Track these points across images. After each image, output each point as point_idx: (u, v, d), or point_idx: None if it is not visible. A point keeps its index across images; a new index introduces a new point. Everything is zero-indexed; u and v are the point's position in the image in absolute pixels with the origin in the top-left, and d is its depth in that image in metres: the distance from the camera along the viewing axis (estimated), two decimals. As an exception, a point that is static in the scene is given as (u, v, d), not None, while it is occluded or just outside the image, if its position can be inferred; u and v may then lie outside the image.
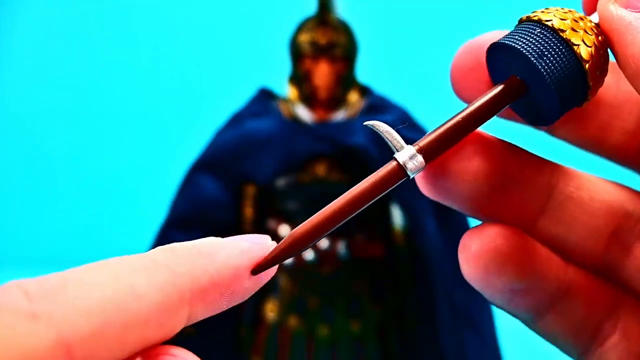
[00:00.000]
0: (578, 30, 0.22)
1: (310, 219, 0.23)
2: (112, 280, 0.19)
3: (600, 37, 0.23)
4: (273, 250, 0.23)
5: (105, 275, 0.20)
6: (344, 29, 0.80)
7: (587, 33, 0.22)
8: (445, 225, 0.80)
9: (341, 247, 0.78)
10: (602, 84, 0.23)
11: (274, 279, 0.84)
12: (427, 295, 0.79)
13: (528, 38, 0.22)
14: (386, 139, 0.23)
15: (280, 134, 0.80)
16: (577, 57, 0.22)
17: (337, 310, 0.80)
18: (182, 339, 0.85)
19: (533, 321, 0.26)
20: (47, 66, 2.07)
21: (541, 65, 0.22)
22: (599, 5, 0.22)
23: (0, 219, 2.09)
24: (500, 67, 0.24)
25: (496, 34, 0.24)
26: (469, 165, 0.24)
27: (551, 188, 0.25)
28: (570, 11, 0.23)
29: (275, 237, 0.79)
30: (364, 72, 0.84)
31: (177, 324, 0.20)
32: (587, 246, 0.25)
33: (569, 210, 0.25)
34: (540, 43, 0.22)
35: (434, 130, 0.24)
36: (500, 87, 0.23)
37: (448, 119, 0.24)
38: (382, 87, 0.87)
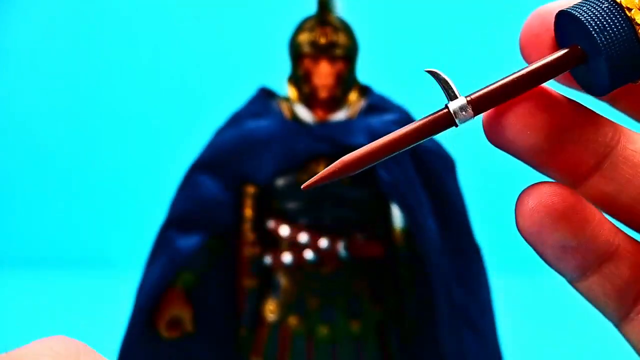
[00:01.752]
0: None
1: (360, 149, 0.26)
2: None
3: None
4: (324, 171, 0.25)
5: None
6: (344, 29, 0.80)
7: None
8: (445, 225, 0.80)
9: (341, 247, 0.78)
10: None
11: (273, 279, 0.84)
12: (427, 295, 0.79)
13: (594, 11, 0.23)
14: (442, 87, 0.24)
15: (280, 134, 0.80)
16: (637, 36, 0.23)
17: (337, 310, 0.80)
18: (182, 339, 0.85)
19: (577, 280, 0.26)
20: (47, 67, 2.07)
21: (600, 39, 0.23)
22: None
23: (0, 219, 2.09)
24: (566, 34, 0.25)
25: (567, 2, 0.25)
26: (534, 120, 0.25)
27: (610, 148, 0.25)
28: None
29: (275, 237, 0.80)
30: (364, 72, 0.84)
31: None
32: (637, 209, 0.25)
33: (623, 171, 0.25)
34: (604, 17, 0.23)
35: (490, 84, 0.25)
36: (560, 53, 0.24)
37: (507, 75, 0.24)
38: (382, 87, 0.87)
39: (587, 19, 0.23)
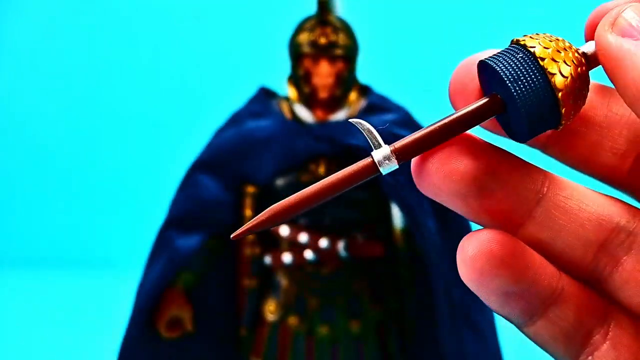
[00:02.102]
0: (558, 60, 0.24)
1: (288, 198, 0.27)
2: None
3: (580, 68, 0.24)
4: (253, 220, 0.26)
5: None
6: (344, 29, 0.80)
7: (566, 63, 0.24)
8: (445, 225, 0.80)
9: (341, 247, 0.78)
10: (579, 110, 0.25)
11: (273, 279, 0.84)
12: (427, 295, 0.79)
13: (510, 61, 0.24)
14: (367, 137, 0.25)
15: (280, 134, 0.80)
16: (551, 86, 0.23)
17: (337, 310, 0.80)
18: (182, 339, 0.85)
19: (525, 325, 0.27)
20: (47, 67, 2.07)
21: (514, 89, 0.23)
22: (597, 34, 0.23)
23: (0, 219, 2.09)
24: (488, 83, 0.26)
25: (491, 52, 0.26)
26: (458, 165, 0.25)
27: (540, 195, 0.26)
28: (558, 40, 0.25)
29: (275, 236, 0.80)
30: (364, 72, 0.84)
31: None
32: (575, 255, 0.26)
33: (557, 218, 0.25)
34: (519, 68, 0.23)
35: (414, 133, 0.25)
36: (480, 102, 0.24)
37: (429, 124, 0.25)
38: (382, 87, 0.87)
39: (502, 69, 0.24)
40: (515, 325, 0.26)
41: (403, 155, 0.25)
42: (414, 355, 0.82)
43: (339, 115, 0.82)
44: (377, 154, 0.25)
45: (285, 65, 0.83)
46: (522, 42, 0.24)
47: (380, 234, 0.80)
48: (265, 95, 0.86)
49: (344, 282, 0.80)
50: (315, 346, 0.80)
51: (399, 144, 0.25)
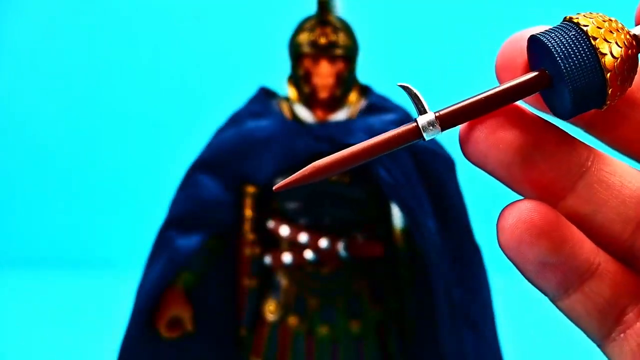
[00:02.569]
0: (610, 40, 0.24)
1: (331, 155, 0.26)
2: None
3: (631, 51, 0.24)
4: (295, 175, 0.26)
5: None
6: (344, 29, 0.80)
7: (617, 44, 0.24)
8: (445, 225, 0.80)
9: (341, 247, 0.78)
10: (625, 92, 0.25)
11: (273, 279, 0.84)
12: (427, 295, 0.79)
13: (562, 38, 0.24)
14: (413, 101, 0.25)
15: (280, 134, 0.80)
16: (601, 65, 0.23)
17: (337, 310, 0.80)
18: (182, 339, 0.85)
19: (559, 298, 0.27)
20: (47, 67, 2.07)
21: (564, 65, 0.24)
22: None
23: (0, 219, 2.09)
24: (536, 59, 0.26)
25: (542, 28, 0.26)
26: (506, 134, 0.25)
27: (584, 169, 0.26)
28: (611, 20, 0.25)
29: (276, 237, 0.80)
30: (364, 72, 0.84)
31: None
32: (614, 231, 0.26)
33: (599, 192, 0.26)
34: (570, 45, 0.24)
35: (459, 102, 0.25)
36: (527, 76, 0.25)
37: (477, 94, 0.25)
38: (382, 87, 0.87)
39: (553, 45, 0.24)
40: (549, 298, 0.27)
41: (447, 123, 0.25)
42: (414, 355, 0.82)
43: (339, 115, 0.81)
44: (422, 119, 0.25)
45: (285, 65, 0.83)
46: (575, 20, 0.24)
47: (380, 234, 0.80)
48: (265, 95, 0.86)
49: (344, 282, 0.80)
50: (315, 346, 0.80)
51: (444, 111, 0.25)
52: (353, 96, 0.83)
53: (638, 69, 0.25)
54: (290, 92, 0.83)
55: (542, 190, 0.26)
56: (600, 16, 0.25)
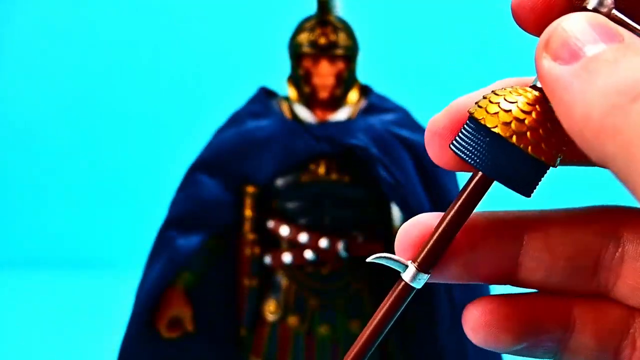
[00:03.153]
0: (491, 111, 0.22)
1: (353, 347, 0.28)
2: None
3: (529, 103, 0.22)
4: None
5: None
6: (344, 29, 0.80)
7: (504, 107, 0.22)
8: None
9: (341, 247, 0.78)
10: (568, 144, 0.23)
11: (274, 279, 0.84)
12: (427, 295, 0.79)
13: (477, 149, 0.23)
14: (391, 265, 0.26)
15: (280, 134, 0.80)
16: (530, 156, 0.22)
17: (337, 310, 0.80)
18: (182, 339, 0.85)
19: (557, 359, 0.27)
20: (47, 67, 2.07)
21: (497, 175, 0.23)
22: (535, 61, 0.21)
23: (0, 220, 2.09)
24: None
25: (464, 102, 0.25)
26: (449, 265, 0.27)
27: (519, 244, 0.26)
28: (504, 88, 0.23)
29: (276, 237, 0.80)
30: (364, 72, 0.84)
31: None
32: (575, 284, 0.26)
33: (543, 260, 0.26)
34: (490, 154, 0.23)
35: (428, 241, 0.25)
36: (470, 188, 0.24)
37: (434, 228, 0.25)
38: (382, 87, 0.87)
39: (477, 163, 0.23)
40: None
41: (427, 266, 0.25)
42: (414, 355, 0.82)
43: (339, 115, 0.82)
44: (406, 276, 0.25)
45: (285, 65, 0.83)
46: (481, 120, 0.23)
47: (380, 234, 0.80)
48: (265, 95, 0.86)
49: (344, 282, 0.80)
50: (315, 346, 0.80)
51: (419, 258, 0.25)
52: (353, 96, 0.83)
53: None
54: (290, 92, 0.83)
55: (494, 278, 0.27)
56: (507, 94, 0.23)
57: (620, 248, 0.25)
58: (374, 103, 0.83)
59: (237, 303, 0.84)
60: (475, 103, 0.23)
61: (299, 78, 0.81)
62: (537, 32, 0.23)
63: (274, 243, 0.81)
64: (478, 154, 0.23)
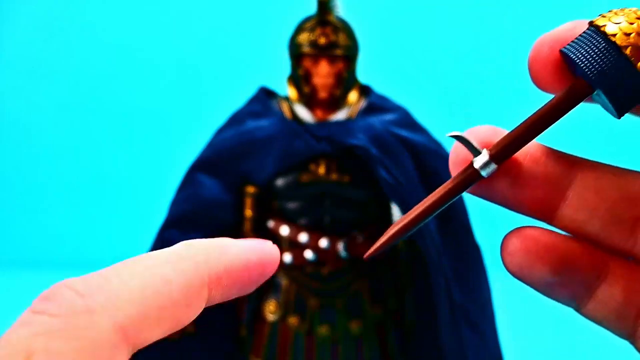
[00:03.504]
0: (630, 32, 0.23)
1: (404, 216, 0.28)
2: (145, 271, 0.23)
3: None
4: (379, 242, 0.28)
5: (139, 268, 0.23)
6: (344, 29, 0.80)
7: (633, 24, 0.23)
8: (445, 224, 0.80)
9: (341, 247, 0.78)
10: None
11: (274, 279, 0.84)
12: (427, 295, 0.79)
13: (591, 53, 0.23)
14: (466, 147, 0.25)
15: (280, 134, 0.80)
16: (624, 55, 0.23)
17: (337, 310, 0.80)
18: (182, 338, 0.85)
19: (577, 308, 0.28)
20: (48, 67, 2.07)
21: (603, 84, 0.23)
22: None
23: (0, 220, 2.09)
24: (572, 64, 0.25)
25: (571, 27, 0.25)
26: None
27: (571, 178, 0.27)
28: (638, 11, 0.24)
29: (276, 237, 0.80)
30: (364, 72, 0.84)
31: (200, 305, 0.26)
32: (613, 233, 0.26)
33: (589, 199, 0.26)
34: (602, 60, 0.23)
35: (508, 134, 0.26)
36: (565, 92, 0.25)
37: (521, 122, 0.26)
38: (382, 87, 0.87)
39: (585, 65, 0.24)
40: (572, 307, 0.28)
41: (500, 157, 0.26)
42: (414, 355, 0.82)
43: (339, 115, 0.82)
44: (478, 161, 0.26)
45: (285, 65, 0.83)
46: (602, 28, 0.23)
47: (380, 234, 0.80)
48: (265, 95, 0.86)
49: (344, 282, 0.80)
50: (315, 346, 0.80)
51: (495, 148, 0.26)
52: (353, 96, 0.83)
53: None
54: (290, 92, 0.83)
55: (535, 207, 0.27)
56: (632, 12, 0.24)
57: None
58: (374, 103, 0.83)
59: (237, 303, 0.84)
60: (600, 14, 0.24)
61: (299, 78, 0.81)
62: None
63: (274, 243, 0.81)
64: (589, 56, 0.23)
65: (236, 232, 0.82)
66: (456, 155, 0.27)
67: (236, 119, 0.84)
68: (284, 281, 0.81)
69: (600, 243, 0.27)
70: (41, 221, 2.07)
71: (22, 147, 2.09)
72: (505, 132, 0.26)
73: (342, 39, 0.80)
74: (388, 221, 0.81)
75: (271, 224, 0.81)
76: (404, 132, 0.81)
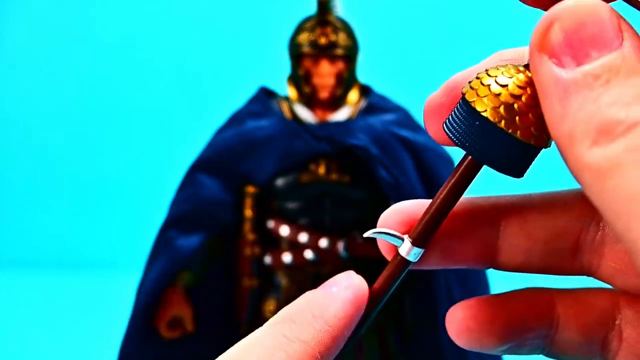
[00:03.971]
0: (482, 94, 0.22)
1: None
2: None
3: (519, 81, 0.22)
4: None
5: (254, 357, 0.24)
6: (344, 29, 0.80)
7: (495, 89, 0.22)
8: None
9: (341, 247, 0.78)
10: (538, 119, 0.22)
11: (274, 279, 0.84)
12: (427, 295, 0.79)
13: (468, 132, 0.22)
14: (388, 239, 0.27)
15: (280, 134, 0.80)
16: (520, 141, 0.22)
17: (337, 310, 0.80)
18: (182, 338, 0.85)
19: (544, 354, 0.27)
20: (48, 67, 2.07)
21: (491, 162, 0.22)
22: (530, 48, 0.20)
23: (1, 221, 2.09)
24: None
25: (466, 76, 0.24)
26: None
27: (497, 230, 0.26)
28: (498, 67, 0.22)
29: (276, 237, 0.80)
30: (364, 72, 0.84)
31: None
32: (558, 266, 0.26)
33: (520, 244, 0.26)
34: (480, 137, 0.22)
35: (422, 217, 0.26)
36: (458, 171, 0.24)
37: (431, 201, 0.25)
38: (382, 87, 0.87)
39: (465, 146, 0.23)
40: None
41: (421, 241, 0.25)
42: (414, 355, 0.82)
43: (339, 115, 0.82)
44: (402, 250, 0.26)
45: (285, 65, 0.83)
46: (472, 103, 0.22)
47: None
48: (265, 95, 0.86)
49: (344, 282, 0.80)
50: (315, 346, 0.80)
51: (414, 233, 0.26)
52: (353, 96, 0.83)
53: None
54: (290, 92, 0.83)
55: (475, 261, 0.27)
56: (501, 74, 0.22)
57: (600, 232, 0.25)
58: (374, 103, 0.83)
59: (237, 303, 0.84)
60: (468, 83, 0.23)
61: (299, 78, 0.81)
62: (538, 5, 0.23)
63: (274, 243, 0.81)
64: (469, 137, 0.23)
65: (236, 232, 0.82)
66: (383, 247, 0.28)
67: (236, 119, 0.84)
68: (284, 281, 0.81)
69: (547, 272, 0.26)
70: (41, 221, 2.07)
71: (22, 147, 2.09)
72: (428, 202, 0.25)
73: (342, 38, 0.80)
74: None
75: (271, 224, 0.81)
76: (403, 132, 0.81)
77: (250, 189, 0.81)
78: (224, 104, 0.91)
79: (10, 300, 1.69)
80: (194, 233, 0.80)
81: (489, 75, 0.23)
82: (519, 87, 0.22)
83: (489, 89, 0.22)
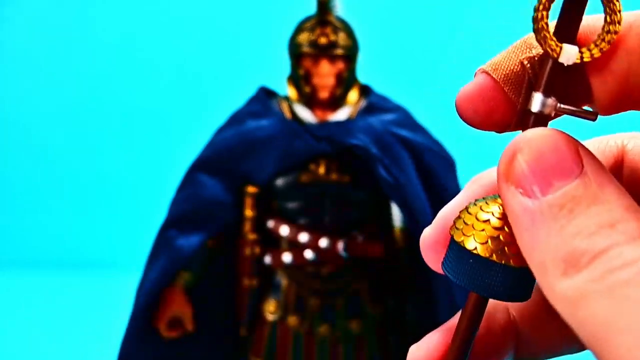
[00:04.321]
0: (467, 233, 0.23)
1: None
2: None
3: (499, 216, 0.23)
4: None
5: None
6: (344, 29, 0.80)
7: (480, 227, 0.23)
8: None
9: (341, 247, 0.78)
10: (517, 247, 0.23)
11: (274, 279, 0.84)
12: (427, 295, 0.79)
13: (465, 271, 0.23)
14: None
15: (280, 134, 0.80)
16: (516, 268, 0.23)
17: (337, 310, 0.80)
18: (182, 338, 0.85)
19: None
20: (48, 67, 2.07)
21: (494, 295, 0.23)
22: (497, 179, 0.21)
23: (1, 221, 2.09)
24: None
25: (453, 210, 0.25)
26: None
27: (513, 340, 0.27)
28: (484, 206, 0.23)
29: (276, 237, 0.80)
30: (364, 72, 0.84)
31: None
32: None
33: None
34: (479, 274, 0.23)
35: (447, 356, 0.26)
36: (467, 309, 0.25)
37: (451, 342, 0.26)
38: (382, 87, 0.87)
39: (452, 275, 0.24)
40: None
41: None
42: (414, 355, 0.82)
43: (339, 115, 0.82)
44: None
45: (285, 65, 0.83)
46: (460, 242, 0.23)
47: (380, 234, 0.80)
48: (265, 95, 0.86)
49: (344, 282, 0.80)
50: (315, 346, 0.80)
51: None
52: (353, 96, 0.83)
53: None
54: (290, 92, 0.83)
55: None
56: (479, 211, 0.23)
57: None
58: (374, 103, 0.83)
59: (237, 303, 0.84)
60: (453, 223, 0.24)
61: (299, 78, 0.81)
62: (485, 128, 0.23)
63: (274, 243, 0.81)
64: (468, 276, 0.24)
65: (236, 232, 0.82)
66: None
67: (236, 119, 0.83)
68: (283, 281, 0.81)
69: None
70: (41, 221, 2.07)
71: (22, 147, 2.09)
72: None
73: (342, 38, 0.80)
74: (388, 221, 0.81)
75: (271, 224, 0.81)
76: (403, 132, 0.81)
77: (251, 189, 0.81)
78: (224, 104, 0.91)
79: (10, 300, 1.69)
80: (194, 233, 0.80)
81: (469, 214, 0.23)
82: (499, 219, 0.23)
83: (473, 227, 0.23)
